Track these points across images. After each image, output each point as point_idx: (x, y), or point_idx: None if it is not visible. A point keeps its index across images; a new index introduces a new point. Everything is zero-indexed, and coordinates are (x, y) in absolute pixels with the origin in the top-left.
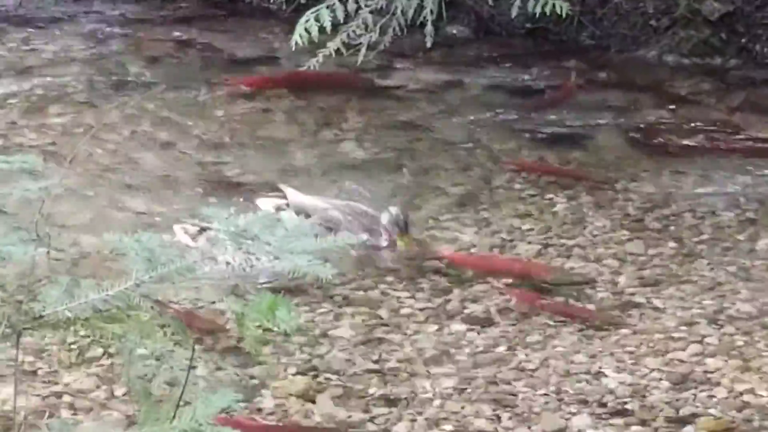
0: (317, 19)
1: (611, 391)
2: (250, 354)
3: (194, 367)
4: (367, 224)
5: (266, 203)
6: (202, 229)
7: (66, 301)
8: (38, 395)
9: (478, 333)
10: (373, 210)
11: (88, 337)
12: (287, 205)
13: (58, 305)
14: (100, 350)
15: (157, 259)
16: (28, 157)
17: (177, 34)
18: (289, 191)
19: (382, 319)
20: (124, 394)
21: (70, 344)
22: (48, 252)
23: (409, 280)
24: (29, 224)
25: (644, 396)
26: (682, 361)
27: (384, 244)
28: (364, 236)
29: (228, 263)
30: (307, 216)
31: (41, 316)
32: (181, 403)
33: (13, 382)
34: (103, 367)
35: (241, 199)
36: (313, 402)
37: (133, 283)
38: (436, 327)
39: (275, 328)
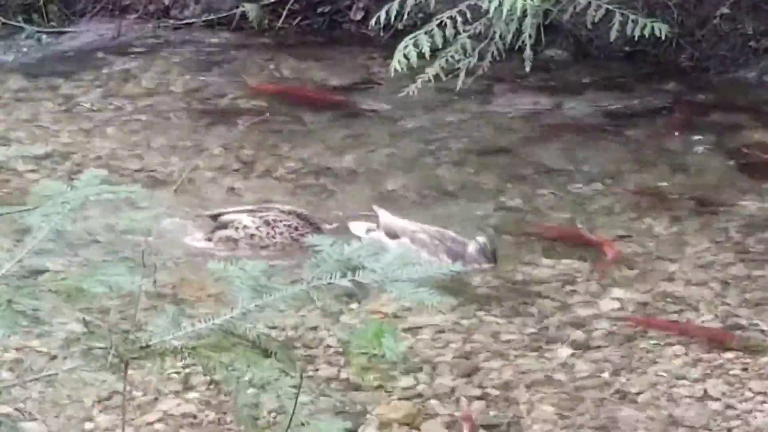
0: (416, 45)
1: (717, 415)
2: (354, 380)
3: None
4: (454, 250)
5: (358, 226)
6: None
7: (172, 331)
8: (142, 424)
9: (582, 358)
10: (463, 237)
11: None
12: (377, 226)
13: (165, 334)
14: (202, 378)
15: (262, 286)
16: (134, 187)
17: (275, 61)
18: (381, 213)
19: (482, 344)
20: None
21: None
22: (154, 281)
23: (509, 307)
24: (135, 253)
25: (749, 420)
26: None
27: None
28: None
29: None
30: (395, 237)
31: (148, 346)
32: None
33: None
34: (206, 394)
35: (335, 225)
36: (418, 429)
37: (239, 312)
38: (537, 353)
39: (380, 355)
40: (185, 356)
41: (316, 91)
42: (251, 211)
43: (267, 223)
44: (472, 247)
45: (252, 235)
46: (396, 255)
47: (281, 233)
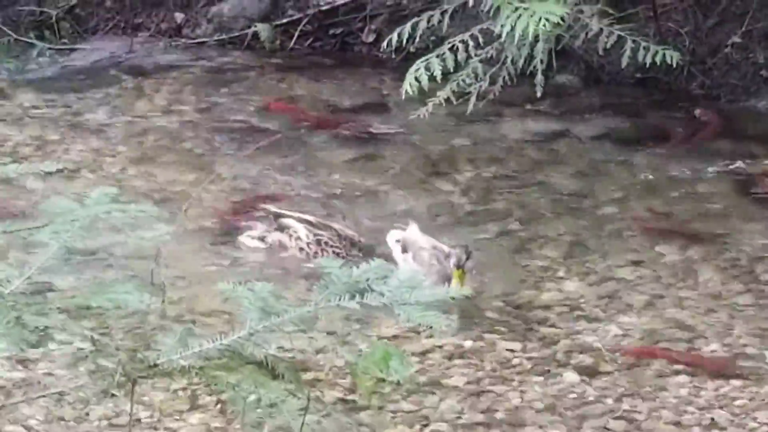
0: (427, 68)
1: None
2: (360, 402)
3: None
4: (444, 272)
5: (393, 235)
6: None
7: (180, 350)
8: None
9: (588, 384)
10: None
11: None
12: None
13: (173, 354)
14: (208, 398)
15: (270, 308)
16: (144, 206)
17: (286, 82)
18: (411, 227)
19: (489, 369)
20: None
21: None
22: (163, 301)
23: (516, 331)
24: (144, 272)
25: None
26: None
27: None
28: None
29: None
30: (406, 251)
31: (156, 365)
32: None
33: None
34: (212, 414)
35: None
36: None
37: (247, 333)
38: (543, 377)
39: (387, 378)
40: (192, 376)
41: (328, 116)
42: (311, 223)
43: (318, 242)
44: (452, 260)
45: (301, 249)
46: (404, 278)
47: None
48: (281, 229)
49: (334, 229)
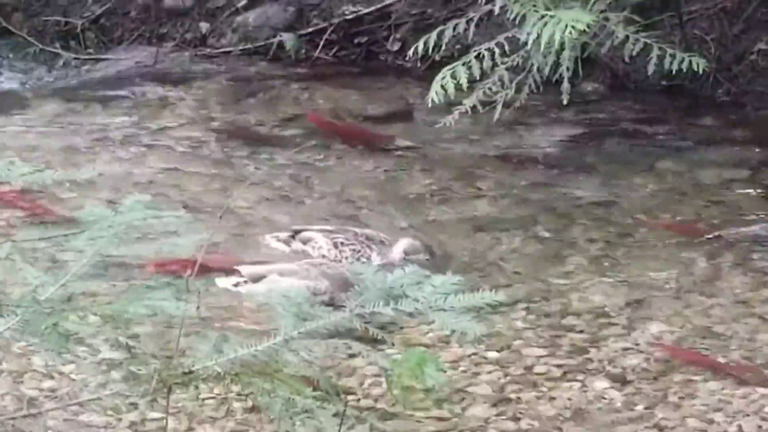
0: (453, 77)
1: None
2: (392, 409)
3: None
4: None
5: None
6: (294, 234)
7: (215, 356)
8: None
9: (617, 391)
10: None
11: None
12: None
13: (208, 360)
14: (238, 405)
15: (305, 314)
16: (179, 212)
17: (311, 90)
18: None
19: (517, 377)
20: None
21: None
22: (198, 307)
23: (545, 339)
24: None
25: None
26: None
27: None
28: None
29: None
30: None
31: (191, 371)
32: None
33: None
34: (240, 421)
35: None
36: None
37: (282, 339)
38: (572, 385)
39: (420, 385)
40: (228, 382)
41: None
42: (329, 231)
43: (336, 245)
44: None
45: (323, 255)
46: (439, 283)
47: (346, 257)
48: (304, 242)
49: (351, 230)
